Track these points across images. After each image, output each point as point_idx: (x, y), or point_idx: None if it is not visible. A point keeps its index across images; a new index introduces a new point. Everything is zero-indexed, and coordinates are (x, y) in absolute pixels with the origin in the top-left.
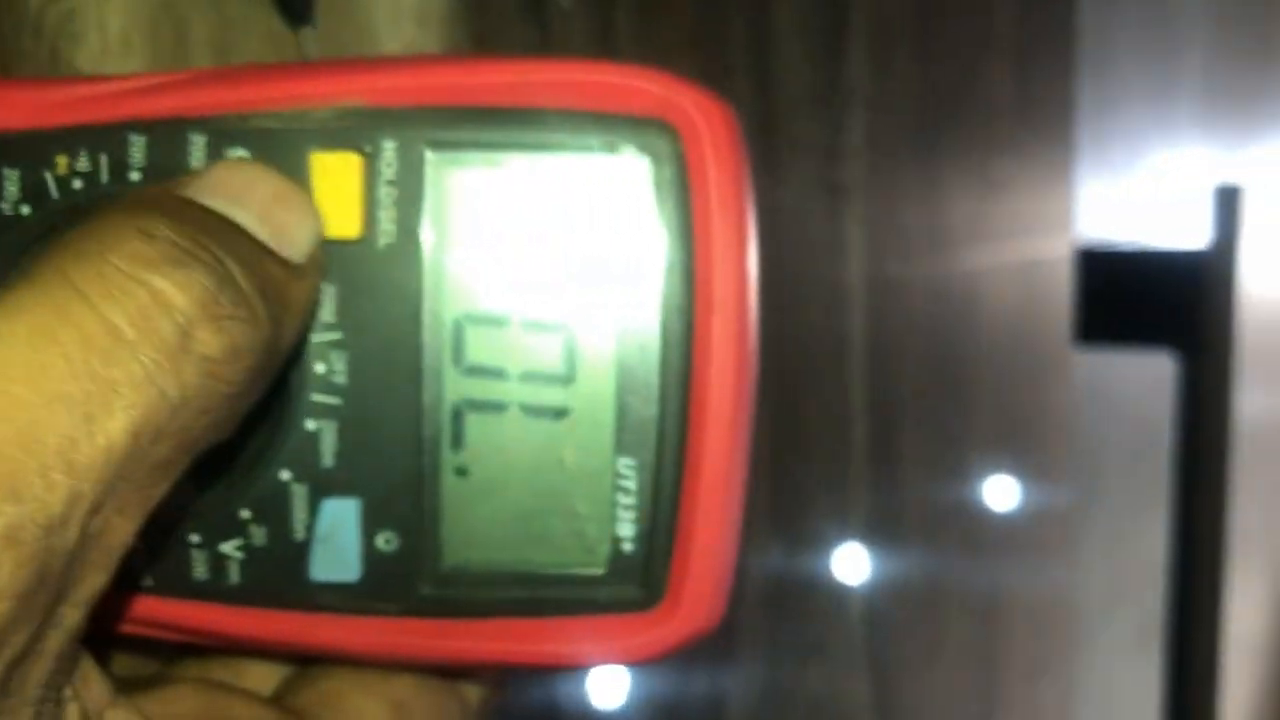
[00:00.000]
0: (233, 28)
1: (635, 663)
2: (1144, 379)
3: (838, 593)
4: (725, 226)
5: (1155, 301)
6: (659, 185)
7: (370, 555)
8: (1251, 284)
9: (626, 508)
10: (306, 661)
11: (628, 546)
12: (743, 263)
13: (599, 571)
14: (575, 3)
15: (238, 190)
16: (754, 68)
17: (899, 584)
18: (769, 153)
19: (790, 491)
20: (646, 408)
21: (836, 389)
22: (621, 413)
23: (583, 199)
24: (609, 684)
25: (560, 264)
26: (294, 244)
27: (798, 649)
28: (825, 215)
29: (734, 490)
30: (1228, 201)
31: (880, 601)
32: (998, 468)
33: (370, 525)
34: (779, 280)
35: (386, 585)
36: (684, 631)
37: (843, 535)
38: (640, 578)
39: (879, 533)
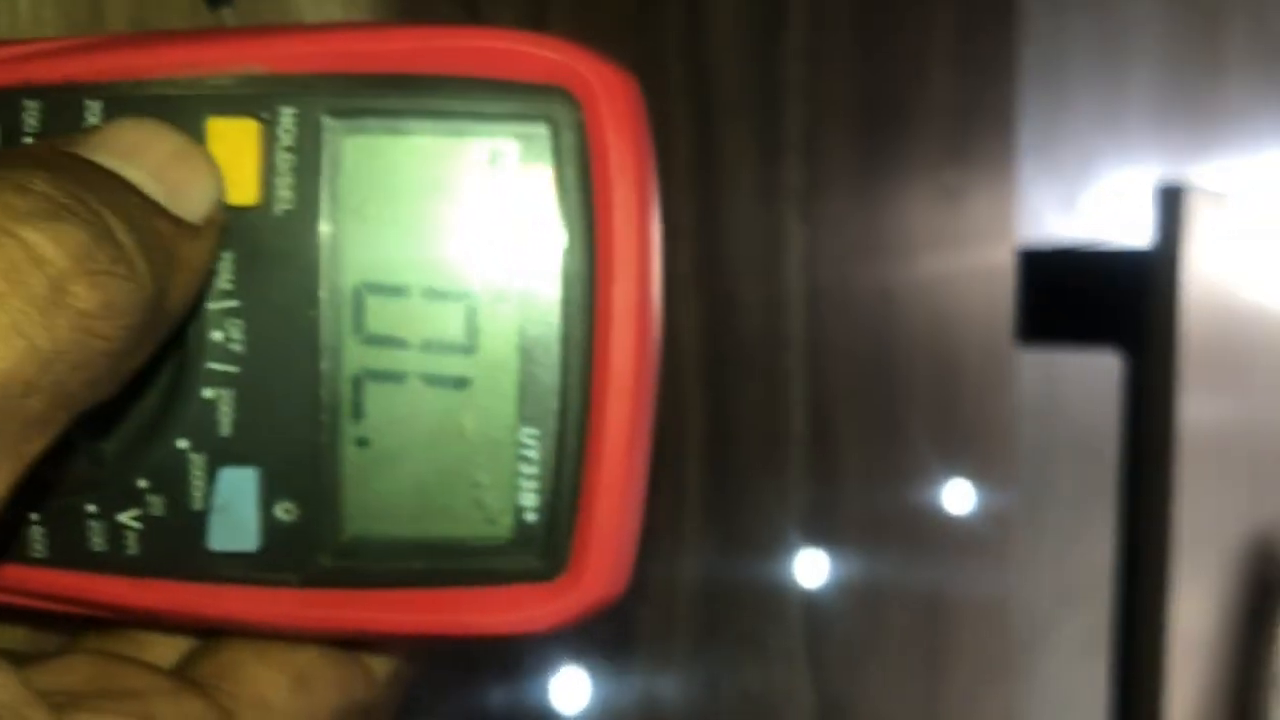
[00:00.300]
0: (149, 6)
1: (539, 632)
2: (1092, 380)
3: (776, 590)
4: (626, 194)
5: (1100, 301)
6: (559, 153)
7: (269, 525)
8: (1197, 284)
9: (529, 478)
10: (210, 635)
11: (530, 516)
12: (645, 231)
13: (501, 542)
14: None
15: (131, 147)
16: (690, 55)
17: (840, 582)
18: (706, 143)
19: (727, 486)
20: (548, 377)
21: (775, 386)
22: (523, 382)
23: (483, 167)
24: (539, 681)
25: (461, 232)
26: (190, 203)
27: (735, 647)
28: (764, 210)
29: (637, 460)
30: (1170, 201)
31: (821, 600)
32: (941, 469)
33: (269, 495)
34: (717, 274)
35: (286, 555)
36: (587, 601)
37: (782, 532)
38: (543, 548)
39: (819, 531)
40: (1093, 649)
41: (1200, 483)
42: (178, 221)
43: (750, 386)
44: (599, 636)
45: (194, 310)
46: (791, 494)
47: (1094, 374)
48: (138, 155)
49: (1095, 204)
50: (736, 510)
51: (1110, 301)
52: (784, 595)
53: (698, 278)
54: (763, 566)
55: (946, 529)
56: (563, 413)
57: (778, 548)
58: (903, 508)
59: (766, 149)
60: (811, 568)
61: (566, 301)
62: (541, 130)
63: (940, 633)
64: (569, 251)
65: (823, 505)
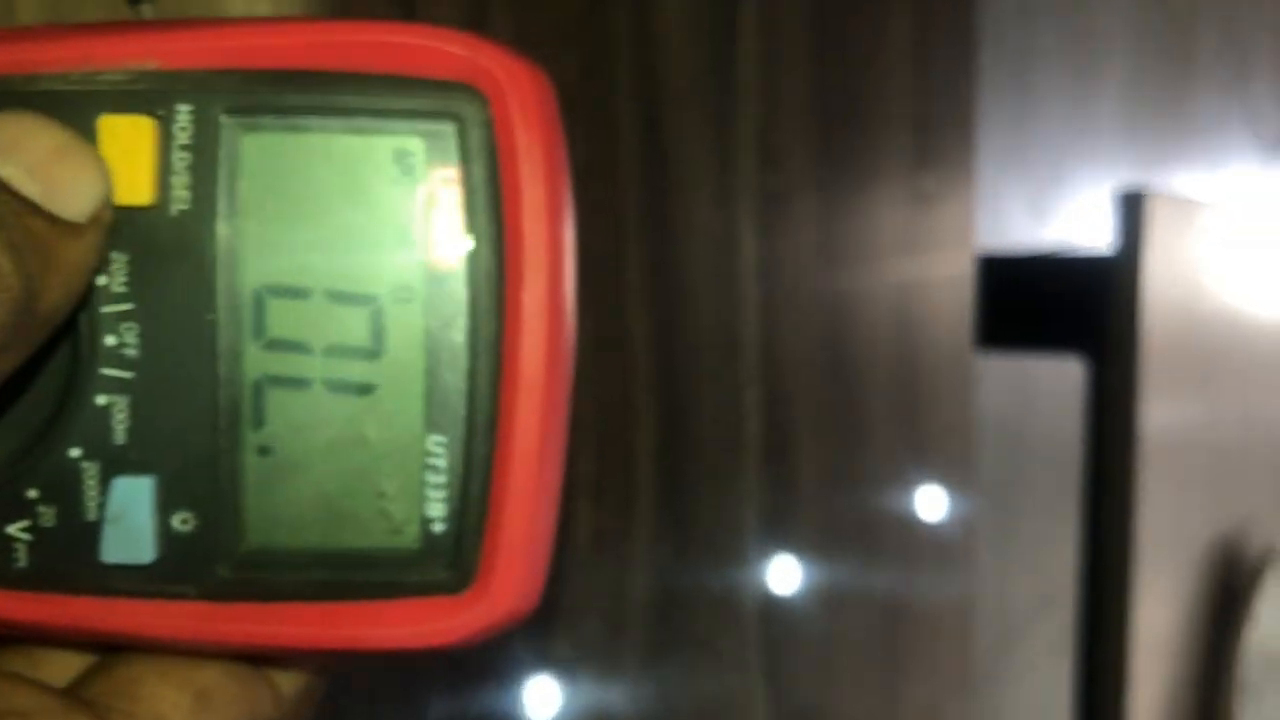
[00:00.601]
0: (65, 2)
1: (447, 647)
2: (1056, 386)
3: (732, 598)
4: (536, 194)
5: (1063, 307)
6: (466, 152)
7: (166, 536)
8: (1158, 290)
9: (436, 487)
10: (110, 650)
11: (437, 527)
12: (555, 230)
13: (408, 553)
14: None
15: (7, 142)
16: (638, 56)
17: (799, 590)
18: (655, 145)
19: (680, 494)
20: (456, 383)
21: (729, 392)
22: (430, 388)
23: (387, 166)
24: (485, 691)
25: (365, 234)
26: (70, 201)
27: (689, 656)
28: (716, 212)
29: (549, 467)
30: (1131, 207)
31: (779, 607)
32: (902, 474)
33: (166, 505)
34: (667, 278)
35: (183, 567)
36: (496, 614)
37: (738, 539)
38: (451, 559)
39: (777, 537)
40: (1062, 653)
41: (1163, 488)
42: (54, 220)
43: (704, 393)
44: (548, 645)
45: (88, 314)
46: (747, 500)
47: (1062, 380)
48: (14, 151)
49: (1064, 210)
50: (690, 518)
51: (1072, 307)
52: (740, 603)
53: (648, 282)
54: (718, 574)
55: (908, 535)
56: (471, 419)
57: (734, 555)
58: (863, 514)
59: (719, 150)
60: (769, 575)
61: (474, 304)
62: (448, 128)
63: (902, 641)
64: (477, 253)
65: (780, 511)
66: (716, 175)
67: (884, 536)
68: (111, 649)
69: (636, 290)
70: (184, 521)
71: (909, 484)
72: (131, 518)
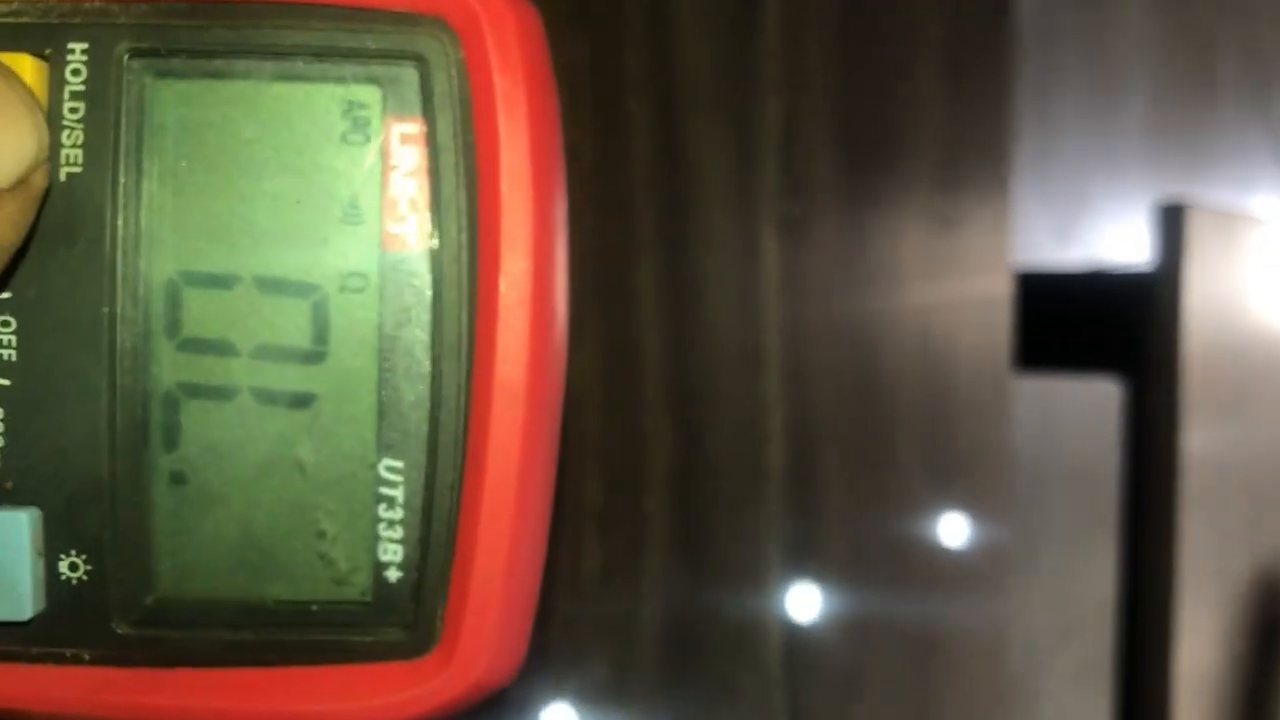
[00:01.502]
0: None
1: None
2: (1090, 407)
3: (753, 631)
4: (518, 155)
5: (1099, 327)
6: (431, 102)
7: (52, 585)
8: (1199, 307)
9: (390, 524)
10: None
11: (391, 575)
12: (542, 204)
13: (354, 607)
14: None
15: None
16: (653, 46)
17: (823, 620)
18: (671, 144)
19: (697, 522)
20: (416, 393)
21: (750, 414)
22: (383, 401)
23: (332, 121)
24: None
25: (304, 207)
26: None
27: (705, 691)
28: (737, 219)
29: (532, 500)
30: (1171, 221)
31: (801, 643)
32: (933, 501)
33: (51, 546)
34: (683, 290)
35: (74, 624)
36: (463, 685)
37: (759, 569)
38: (406, 616)
39: (800, 567)
40: (1088, 682)
41: (1203, 515)
42: None
43: (722, 415)
44: (551, 690)
45: None
46: (769, 530)
47: (1089, 401)
48: None
49: (1088, 230)
50: (708, 547)
51: (1109, 327)
52: (762, 641)
53: (661, 293)
54: (738, 610)
55: (939, 564)
56: (434, 439)
57: (754, 589)
58: (891, 542)
59: (740, 151)
60: (792, 610)
61: (439, 295)
62: (409, 73)
63: (931, 673)
64: (444, 233)
65: (804, 542)
66: (736, 179)
67: (914, 566)
68: None
69: (649, 302)
70: (74, 567)
71: (941, 511)
72: (5, 562)
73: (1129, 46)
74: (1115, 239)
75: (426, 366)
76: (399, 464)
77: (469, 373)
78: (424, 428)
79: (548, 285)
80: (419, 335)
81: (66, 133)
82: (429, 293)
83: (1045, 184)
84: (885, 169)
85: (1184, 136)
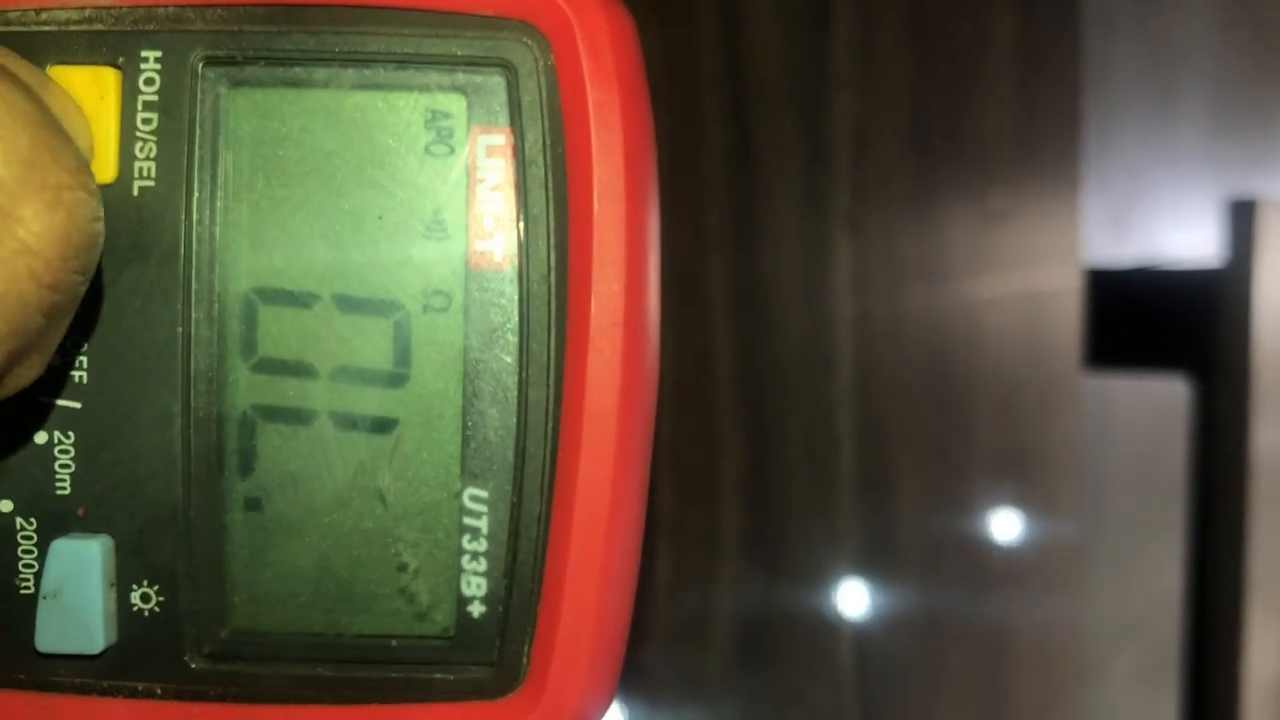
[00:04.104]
0: None
1: None
2: (1156, 405)
3: (823, 632)
4: (611, 167)
5: (1167, 323)
6: (519, 111)
7: (124, 616)
8: (1269, 304)
9: (474, 556)
10: None
11: (475, 609)
12: (635, 219)
13: (436, 643)
14: None
15: None
16: (726, 45)
17: (893, 621)
18: (743, 142)
19: (769, 523)
20: (502, 419)
21: (821, 415)
22: (468, 426)
23: (415, 132)
24: None
25: (386, 220)
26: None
27: (778, 696)
28: (808, 218)
29: (623, 530)
30: (1243, 216)
31: (872, 641)
32: (1001, 499)
33: (124, 575)
34: (755, 290)
35: (146, 657)
36: None
37: (829, 571)
38: (491, 653)
39: (870, 566)
40: (1153, 680)
41: (1275, 516)
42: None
43: (793, 415)
44: (622, 697)
45: None
46: (841, 531)
47: (1158, 398)
48: None
49: (1145, 224)
50: (780, 550)
51: (1178, 323)
52: (833, 638)
53: (733, 294)
54: (810, 616)
55: (1008, 563)
56: (520, 467)
57: (825, 588)
58: (962, 541)
59: (811, 149)
60: (865, 616)
61: (527, 315)
62: (496, 80)
63: (998, 670)
64: (532, 246)
65: (875, 541)
66: (807, 178)
67: (985, 566)
68: None
69: (721, 303)
70: (146, 598)
71: (1009, 510)
72: (76, 592)
73: (1189, 35)
74: (1173, 233)
75: (513, 391)
76: (484, 493)
77: (557, 398)
78: (510, 456)
79: (641, 307)
80: (505, 358)
81: (140, 145)
82: (516, 313)
83: (1101, 176)
84: (955, 163)
85: (1246, 128)
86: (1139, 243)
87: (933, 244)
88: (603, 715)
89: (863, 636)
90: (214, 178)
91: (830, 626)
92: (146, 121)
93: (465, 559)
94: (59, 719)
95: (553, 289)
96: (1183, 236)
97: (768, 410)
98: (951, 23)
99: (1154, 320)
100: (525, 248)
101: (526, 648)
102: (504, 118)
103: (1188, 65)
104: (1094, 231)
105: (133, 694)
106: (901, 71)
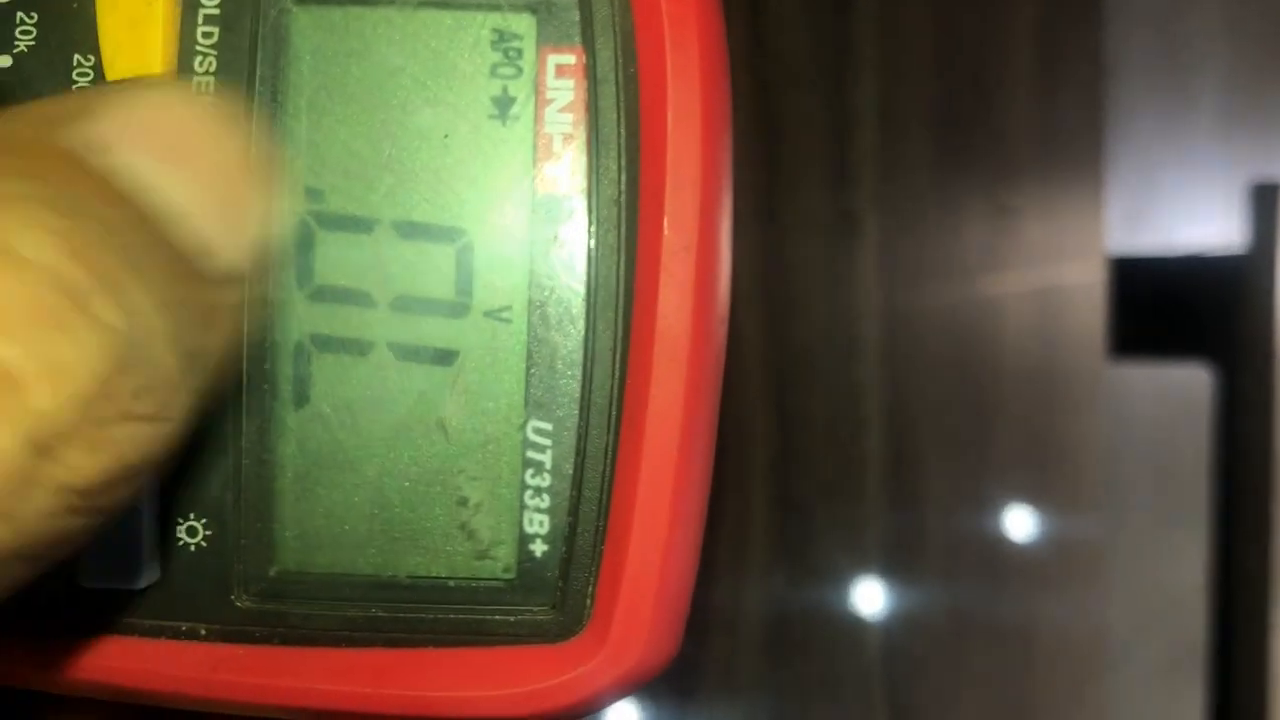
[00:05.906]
0: None
1: (547, 715)
2: (1177, 396)
3: (850, 627)
4: (686, 91)
5: (1188, 312)
6: (591, 32)
7: (169, 552)
8: None
9: (537, 492)
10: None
11: (537, 548)
12: (712, 140)
13: (495, 583)
14: None
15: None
16: (748, 23)
17: (919, 617)
18: (766, 128)
19: (795, 515)
20: (568, 350)
21: (848, 401)
22: (533, 358)
23: (482, 52)
24: None
25: (450, 145)
26: (230, 245)
27: (806, 690)
28: (833, 205)
29: (693, 468)
30: (1265, 200)
31: (899, 636)
32: (1025, 494)
33: (169, 509)
34: (780, 274)
35: (191, 596)
36: (613, 673)
37: (856, 564)
38: (553, 594)
39: (896, 562)
40: (1177, 674)
41: None
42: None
43: (819, 399)
44: (648, 688)
45: None
46: (868, 522)
47: (1171, 390)
48: (173, 169)
49: (1160, 214)
50: (807, 540)
51: (1199, 312)
52: (860, 629)
53: (758, 276)
54: (837, 600)
55: (1034, 556)
56: (586, 399)
57: (852, 580)
58: (985, 537)
59: (836, 132)
60: (893, 605)
61: (598, 241)
62: (568, 2)
63: (1023, 665)
64: (602, 173)
65: (902, 533)
66: (832, 161)
67: (1010, 559)
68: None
69: (745, 284)
70: (192, 532)
71: (1036, 506)
72: (120, 525)
73: (1203, 25)
74: (1189, 226)
75: (580, 319)
76: (548, 426)
77: (626, 326)
78: (576, 387)
79: (715, 231)
80: (572, 284)
81: (199, 59)
82: (585, 239)
83: (1115, 166)
84: (980, 151)
85: (1261, 118)
86: (1155, 235)
87: (960, 233)
88: (667, 665)
89: (890, 625)
90: (274, 96)
91: (857, 615)
92: (207, 36)
93: (528, 494)
94: (99, 659)
95: (623, 212)
96: (1198, 229)
97: (794, 394)
98: (976, 8)
99: (1175, 308)
100: (595, 170)
101: (590, 589)
102: (575, 36)
103: (1202, 53)
104: (1110, 224)
105: (176, 634)
106: (925, 56)
